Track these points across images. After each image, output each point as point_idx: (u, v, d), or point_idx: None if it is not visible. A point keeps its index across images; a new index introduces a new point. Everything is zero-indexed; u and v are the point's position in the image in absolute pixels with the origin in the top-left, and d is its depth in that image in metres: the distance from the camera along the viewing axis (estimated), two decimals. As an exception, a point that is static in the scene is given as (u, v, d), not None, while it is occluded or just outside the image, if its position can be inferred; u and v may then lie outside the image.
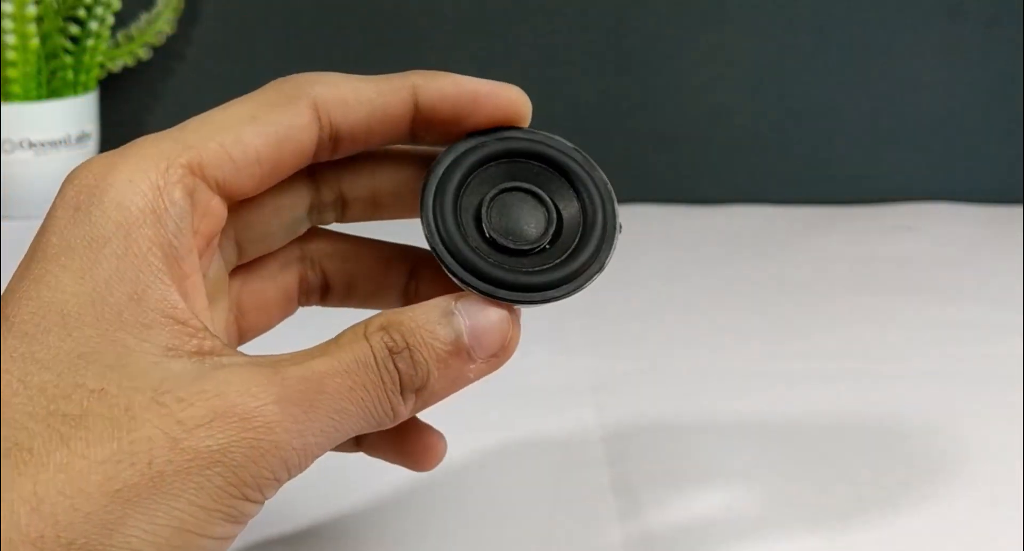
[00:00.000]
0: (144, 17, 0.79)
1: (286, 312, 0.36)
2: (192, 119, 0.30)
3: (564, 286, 0.31)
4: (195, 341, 0.27)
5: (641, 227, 0.80)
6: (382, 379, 0.28)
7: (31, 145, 0.77)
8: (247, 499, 0.27)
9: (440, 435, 0.36)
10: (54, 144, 0.77)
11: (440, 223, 0.30)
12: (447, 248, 0.30)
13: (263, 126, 0.30)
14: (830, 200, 0.84)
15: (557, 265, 0.31)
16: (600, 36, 0.83)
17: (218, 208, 0.30)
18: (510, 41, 0.83)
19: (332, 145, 0.31)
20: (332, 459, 0.44)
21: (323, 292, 0.36)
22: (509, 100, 0.32)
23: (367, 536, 0.42)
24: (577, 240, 0.31)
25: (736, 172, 0.85)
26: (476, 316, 0.29)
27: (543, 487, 0.45)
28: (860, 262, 0.73)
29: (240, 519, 0.27)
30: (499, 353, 0.30)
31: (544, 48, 0.83)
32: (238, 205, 0.31)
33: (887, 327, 0.63)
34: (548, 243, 0.31)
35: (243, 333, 0.35)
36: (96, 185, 0.28)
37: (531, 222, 0.31)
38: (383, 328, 0.28)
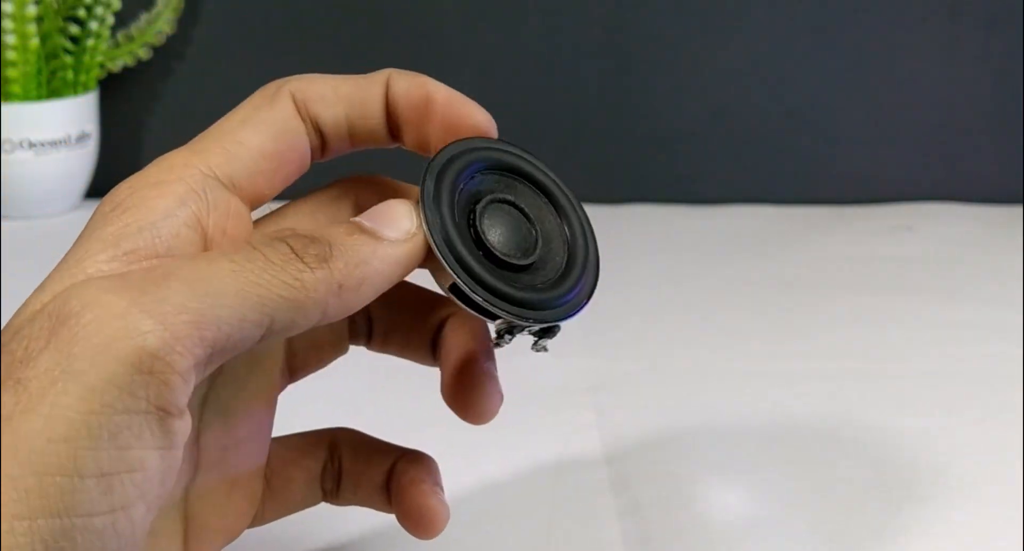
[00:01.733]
0: (144, 17, 0.79)
1: (338, 351, 0.35)
2: (201, 135, 0.31)
3: (574, 301, 0.31)
4: None
5: (641, 227, 0.80)
6: (265, 256, 0.26)
7: (31, 145, 0.77)
8: (113, 409, 0.24)
9: (440, 502, 0.34)
10: (54, 144, 0.77)
11: (453, 247, 0.29)
12: (474, 279, 0.29)
13: (256, 124, 0.31)
14: (830, 200, 0.84)
15: (557, 281, 0.31)
16: (600, 36, 0.83)
17: (239, 208, 0.30)
18: (510, 41, 0.83)
19: (320, 141, 0.32)
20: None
21: (368, 334, 0.35)
22: (468, 115, 0.32)
23: (366, 536, 0.42)
24: (567, 258, 0.32)
25: (736, 172, 0.85)
26: (373, 210, 0.29)
27: (543, 487, 0.45)
28: (860, 262, 0.73)
29: (119, 439, 0.24)
30: (409, 228, 0.29)
31: (544, 48, 0.83)
32: None
33: (887, 327, 0.63)
34: (537, 259, 0.31)
35: (294, 372, 0.35)
36: (132, 188, 0.29)
37: (522, 236, 0.31)
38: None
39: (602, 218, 0.89)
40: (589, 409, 0.52)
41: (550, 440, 0.49)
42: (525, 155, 0.32)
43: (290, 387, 0.35)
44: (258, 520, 0.34)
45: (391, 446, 0.35)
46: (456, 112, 0.32)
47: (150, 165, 0.29)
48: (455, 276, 0.29)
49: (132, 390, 0.24)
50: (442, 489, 0.34)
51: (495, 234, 0.30)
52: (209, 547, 0.32)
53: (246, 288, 0.26)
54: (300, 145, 0.31)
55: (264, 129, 0.30)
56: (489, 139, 0.32)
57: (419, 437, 0.48)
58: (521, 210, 0.31)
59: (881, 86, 0.84)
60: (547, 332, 0.31)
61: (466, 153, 0.31)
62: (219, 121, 0.31)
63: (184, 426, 0.25)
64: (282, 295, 0.26)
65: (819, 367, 0.57)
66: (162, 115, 0.84)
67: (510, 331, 0.31)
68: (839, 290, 0.68)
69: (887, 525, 0.43)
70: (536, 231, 0.31)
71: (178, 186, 0.29)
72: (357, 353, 0.36)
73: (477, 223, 0.30)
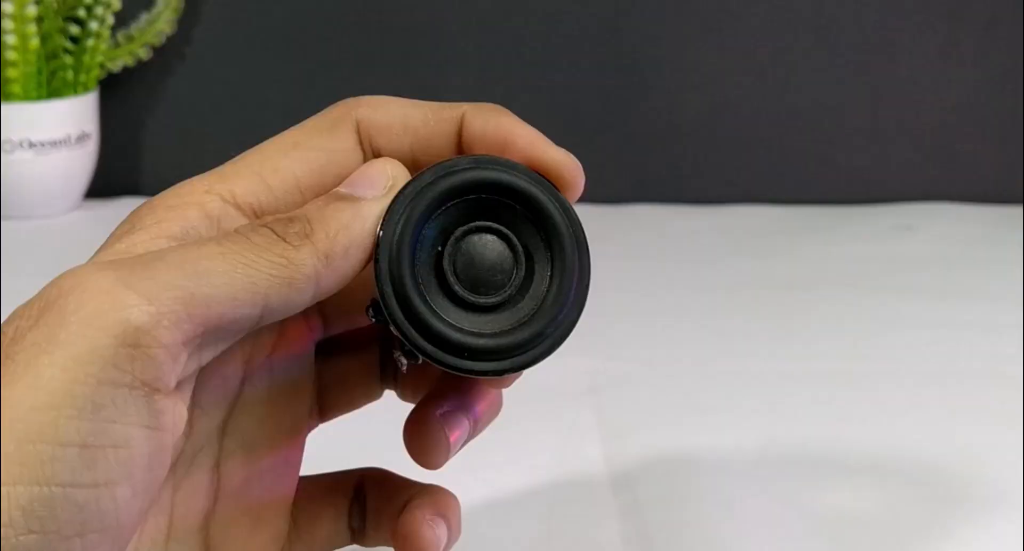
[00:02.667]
0: (144, 17, 0.79)
1: (369, 394, 0.35)
2: (246, 152, 0.30)
3: (542, 346, 0.29)
4: None
5: (641, 227, 0.80)
6: (249, 239, 0.27)
7: (31, 145, 0.77)
8: (99, 381, 0.24)
9: (431, 530, 0.33)
10: (54, 144, 0.77)
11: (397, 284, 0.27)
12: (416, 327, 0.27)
13: (304, 152, 0.30)
14: (830, 200, 0.84)
15: (507, 332, 0.29)
16: (600, 36, 0.83)
17: None
18: (510, 41, 0.83)
19: None
20: (332, 458, 0.44)
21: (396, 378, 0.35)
22: (548, 157, 0.30)
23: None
24: (535, 312, 0.29)
25: (736, 172, 0.85)
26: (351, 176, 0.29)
27: (543, 487, 0.45)
28: (860, 262, 0.73)
29: (100, 412, 0.24)
30: (388, 183, 0.28)
31: (544, 48, 0.83)
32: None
33: (887, 327, 0.63)
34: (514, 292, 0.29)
35: (324, 411, 0.34)
36: (152, 208, 0.28)
37: (494, 273, 0.29)
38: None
39: (602, 218, 0.89)
40: (589, 409, 0.52)
41: (550, 440, 0.49)
42: (544, 186, 0.29)
43: (325, 428, 0.34)
44: None
45: (412, 482, 0.34)
46: (538, 155, 0.30)
47: (175, 186, 0.29)
48: (378, 290, 0.28)
49: (117, 363, 0.24)
50: (445, 520, 0.33)
51: (463, 262, 0.28)
52: None
53: (235, 268, 0.26)
54: (345, 176, 0.30)
55: (312, 157, 0.30)
56: (523, 168, 0.29)
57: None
58: (510, 244, 0.29)
59: (881, 86, 0.84)
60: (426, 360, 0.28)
61: (480, 168, 0.29)
62: (273, 138, 0.30)
63: (172, 406, 0.25)
64: (271, 274, 0.26)
65: (819, 367, 0.57)
66: (162, 115, 0.84)
67: (411, 355, 0.29)
68: (839, 290, 0.68)
69: (887, 525, 0.43)
70: (516, 271, 0.29)
71: (192, 211, 0.28)
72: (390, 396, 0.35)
73: (447, 244, 0.28)
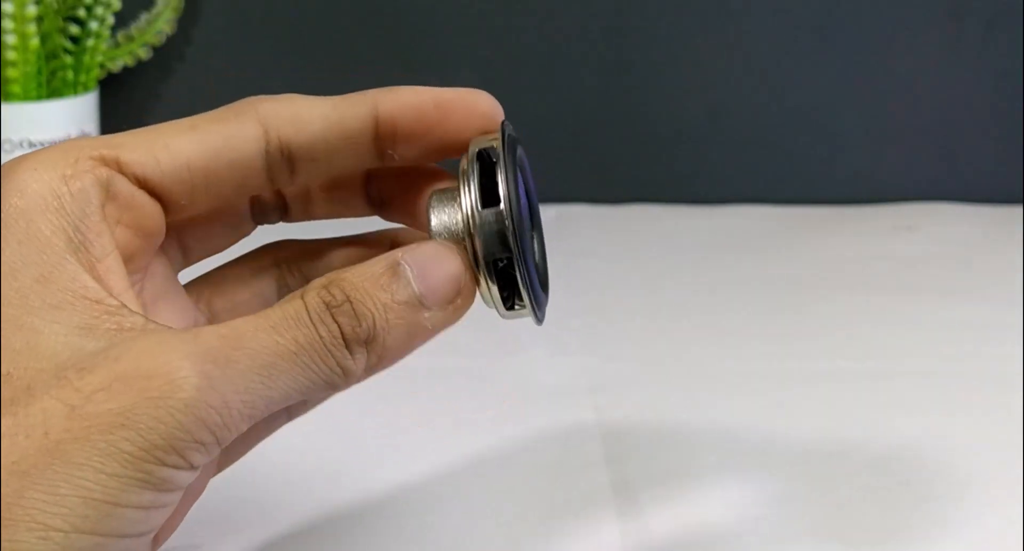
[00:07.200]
0: (144, 17, 0.79)
1: (238, 234, 0.35)
2: (142, 128, 0.30)
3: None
4: (114, 319, 0.27)
5: (641, 227, 0.80)
6: (318, 333, 0.27)
7: (31, 145, 0.77)
8: (164, 464, 0.25)
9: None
10: (54, 144, 0.77)
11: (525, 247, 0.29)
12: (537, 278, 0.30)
13: (200, 134, 0.30)
14: (830, 200, 0.84)
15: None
16: (600, 36, 0.83)
17: (146, 204, 0.29)
18: (510, 41, 0.83)
19: (288, 164, 0.30)
20: (331, 458, 0.44)
21: (283, 208, 0.35)
22: (477, 105, 0.31)
23: (365, 536, 0.42)
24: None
25: (736, 172, 0.85)
26: (425, 263, 0.28)
27: (542, 487, 0.45)
28: (860, 262, 0.73)
29: (164, 485, 0.26)
30: (456, 301, 0.29)
31: (544, 48, 0.83)
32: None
33: (887, 327, 0.63)
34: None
35: (188, 256, 0.34)
36: (6, 175, 0.28)
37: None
38: (323, 286, 0.28)
39: (602, 218, 0.89)
40: (589, 409, 0.52)
41: (550, 440, 0.49)
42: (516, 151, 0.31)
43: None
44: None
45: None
46: (470, 109, 0.31)
47: (51, 147, 0.29)
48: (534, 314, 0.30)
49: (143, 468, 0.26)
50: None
51: (537, 254, 0.30)
52: None
53: (299, 375, 0.27)
54: (245, 166, 0.30)
55: (206, 140, 0.30)
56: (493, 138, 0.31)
57: (416, 438, 0.48)
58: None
59: (881, 86, 0.84)
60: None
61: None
62: (172, 121, 0.30)
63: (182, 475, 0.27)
64: (324, 382, 0.27)
65: (819, 367, 0.57)
66: (162, 115, 0.83)
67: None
68: (839, 290, 0.68)
69: (887, 525, 0.43)
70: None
71: (87, 179, 0.28)
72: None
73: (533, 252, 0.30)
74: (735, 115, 0.84)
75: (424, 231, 0.32)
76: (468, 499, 0.44)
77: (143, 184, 0.29)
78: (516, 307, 0.30)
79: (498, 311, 0.30)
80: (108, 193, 0.28)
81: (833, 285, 0.69)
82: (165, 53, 0.81)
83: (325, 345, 0.27)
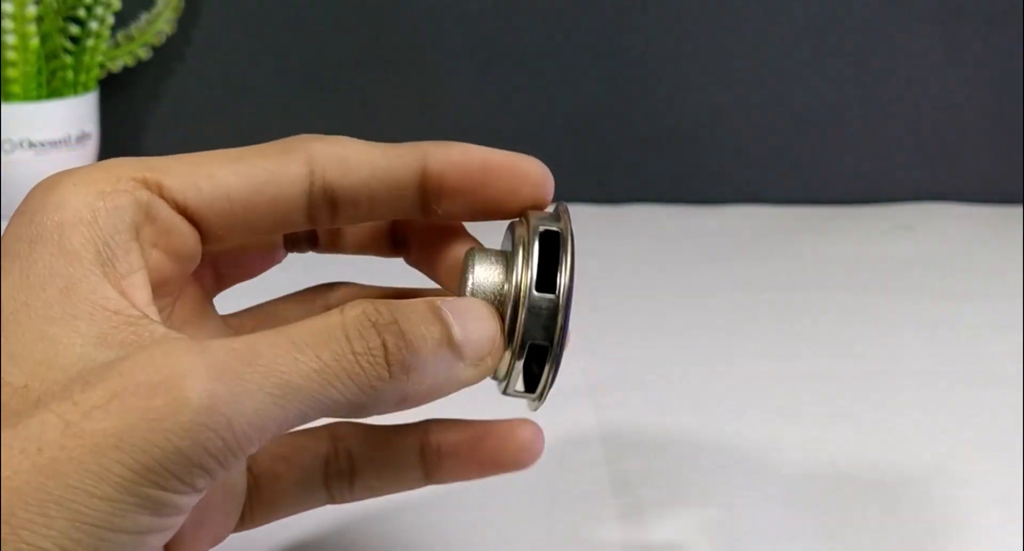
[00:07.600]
0: (144, 17, 0.79)
1: (269, 262, 0.35)
2: (189, 153, 0.30)
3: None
4: (132, 329, 0.26)
5: (641, 227, 0.80)
6: (351, 348, 0.26)
7: (31, 145, 0.77)
8: (163, 488, 0.24)
9: (534, 427, 0.33)
10: (54, 144, 0.77)
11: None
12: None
13: (244, 167, 0.29)
14: (830, 200, 0.84)
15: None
16: (600, 36, 0.83)
17: (184, 230, 0.29)
18: (510, 41, 0.83)
19: (330, 207, 0.30)
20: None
21: (313, 239, 0.35)
22: (528, 174, 0.30)
23: (365, 536, 0.41)
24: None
25: (736, 172, 0.85)
26: (466, 316, 0.28)
27: (543, 487, 0.45)
28: (860, 262, 0.73)
29: (162, 509, 0.25)
30: (486, 357, 0.28)
31: (544, 48, 0.83)
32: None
33: (886, 327, 0.63)
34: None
35: (221, 283, 0.34)
36: (47, 189, 0.28)
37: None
38: (369, 303, 0.27)
39: (602, 218, 0.89)
40: (589, 409, 0.52)
41: (550, 440, 0.49)
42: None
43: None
44: (248, 523, 0.33)
45: (407, 425, 0.33)
46: (519, 175, 0.30)
47: (93, 164, 0.29)
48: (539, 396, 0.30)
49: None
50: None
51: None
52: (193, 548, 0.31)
53: (325, 390, 0.26)
54: (287, 203, 0.30)
55: (251, 173, 0.29)
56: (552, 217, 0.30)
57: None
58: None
59: (881, 86, 0.84)
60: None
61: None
62: (220, 149, 0.30)
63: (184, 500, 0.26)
64: (351, 400, 0.26)
65: (819, 367, 0.57)
66: (162, 115, 0.84)
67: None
68: (839, 290, 0.68)
69: (887, 525, 0.43)
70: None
71: (124, 199, 0.28)
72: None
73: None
74: (735, 115, 0.84)
75: (438, 282, 0.32)
76: (468, 499, 0.44)
77: (183, 210, 0.29)
78: (523, 390, 0.30)
79: (504, 388, 0.30)
80: (147, 215, 0.28)
81: (833, 285, 0.69)
82: (165, 53, 0.81)
83: (358, 362, 0.26)
